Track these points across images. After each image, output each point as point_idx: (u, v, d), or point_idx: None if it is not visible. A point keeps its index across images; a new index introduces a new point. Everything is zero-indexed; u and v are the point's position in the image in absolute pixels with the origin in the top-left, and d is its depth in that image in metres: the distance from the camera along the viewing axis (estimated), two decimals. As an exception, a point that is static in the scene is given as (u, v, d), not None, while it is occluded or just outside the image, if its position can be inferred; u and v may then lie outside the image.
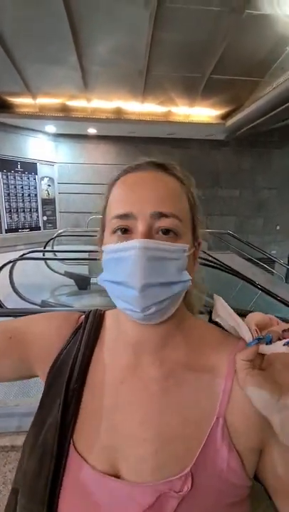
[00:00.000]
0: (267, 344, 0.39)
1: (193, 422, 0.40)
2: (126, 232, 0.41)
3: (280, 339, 0.39)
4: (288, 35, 3.09)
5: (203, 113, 5.24)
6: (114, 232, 0.41)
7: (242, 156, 6.81)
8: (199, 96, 4.52)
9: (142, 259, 0.37)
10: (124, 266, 0.39)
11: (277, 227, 7.32)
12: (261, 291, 2.64)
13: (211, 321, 0.49)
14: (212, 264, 3.03)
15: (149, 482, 0.38)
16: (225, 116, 5.33)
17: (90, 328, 0.50)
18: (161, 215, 0.40)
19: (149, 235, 0.39)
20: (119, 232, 0.41)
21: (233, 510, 0.38)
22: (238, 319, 0.44)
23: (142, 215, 0.40)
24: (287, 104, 3.91)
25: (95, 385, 0.45)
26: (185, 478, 0.37)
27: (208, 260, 3.16)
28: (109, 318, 0.52)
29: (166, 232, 0.40)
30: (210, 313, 0.50)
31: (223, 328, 0.47)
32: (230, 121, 5.19)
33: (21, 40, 3.31)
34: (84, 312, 0.55)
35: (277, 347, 0.38)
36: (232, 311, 0.45)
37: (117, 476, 0.39)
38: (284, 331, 0.40)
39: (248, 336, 0.41)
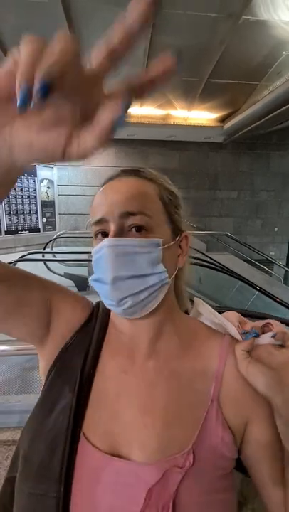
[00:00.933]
0: (256, 337, 0.45)
1: (190, 407, 0.44)
2: (105, 235, 0.44)
3: (261, 333, 0.46)
4: (284, 41, 3.14)
5: (202, 116, 5.29)
6: (96, 236, 0.46)
7: (240, 158, 6.86)
8: (197, 99, 4.57)
9: (111, 256, 0.42)
10: (100, 265, 0.43)
11: (276, 229, 7.37)
12: (259, 292, 2.67)
13: None
14: (210, 265, 3.06)
15: (154, 461, 0.41)
16: (223, 119, 5.39)
17: (101, 317, 0.53)
18: (129, 214, 0.43)
19: (120, 234, 0.43)
20: (99, 236, 0.45)
21: (225, 482, 0.44)
22: (221, 317, 0.50)
23: (112, 217, 0.43)
24: (283, 108, 3.96)
25: (103, 372, 0.49)
26: (187, 454, 0.41)
27: (206, 261, 3.19)
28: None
29: (139, 229, 0.43)
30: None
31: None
32: (228, 124, 5.25)
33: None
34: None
35: (266, 339, 0.44)
36: (214, 310, 0.51)
37: (122, 458, 0.43)
38: (263, 325, 0.46)
39: (233, 331, 0.47)
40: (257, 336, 0.45)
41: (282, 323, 0.48)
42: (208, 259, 3.35)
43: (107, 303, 0.45)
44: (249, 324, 0.48)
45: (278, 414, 0.42)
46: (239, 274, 3.05)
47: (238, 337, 0.47)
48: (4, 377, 2.25)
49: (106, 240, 0.42)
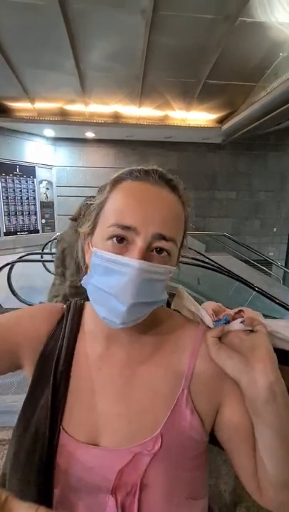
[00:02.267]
0: (226, 324, 0.48)
1: (162, 395, 0.47)
2: (121, 241, 0.41)
3: (232, 320, 0.48)
4: (281, 42, 3.16)
5: (200, 117, 5.31)
6: (110, 238, 0.42)
7: (238, 158, 6.88)
8: (195, 100, 4.59)
9: (137, 280, 0.40)
10: (117, 279, 0.41)
11: (274, 229, 7.38)
12: (258, 292, 2.68)
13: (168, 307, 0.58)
14: (208, 265, 3.07)
15: (125, 446, 0.44)
16: (221, 120, 5.40)
17: (72, 317, 0.54)
18: (162, 238, 0.41)
19: (145, 253, 0.41)
20: (114, 240, 0.42)
21: (195, 461, 0.47)
22: (198, 306, 0.52)
23: (145, 233, 0.41)
24: (281, 109, 3.98)
25: (78, 369, 0.50)
26: (156, 438, 0.44)
27: (204, 262, 3.20)
28: (88, 308, 0.55)
29: (160, 251, 0.42)
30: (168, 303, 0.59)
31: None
32: (226, 125, 5.26)
33: (20, 46, 3.37)
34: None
35: (235, 325, 0.47)
36: (192, 299, 0.54)
37: (98, 445, 0.45)
38: (236, 313, 0.49)
39: (207, 319, 0.50)
40: (227, 322, 0.47)
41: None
42: (207, 260, 3.35)
43: (107, 317, 0.43)
44: (225, 313, 0.50)
45: (244, 394, 0.44)
46: (238, 274, 3.06)
47: (211, 325, 0.49)
48: (1, 378, 2.25)
49: (137, 261, 0.40)
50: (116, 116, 5.25)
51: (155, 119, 5.32)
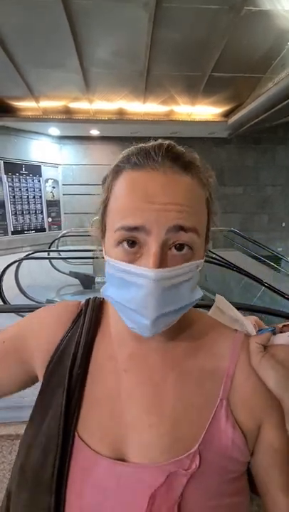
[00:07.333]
0: (273, 333, 0.44)
1: (198, 407, 0.41)
2: (133, 245, 0.36)
3: (280, 332, 0.45)
4: (288, 31, 3.07)
5: (206, 111, 5.24)
6: (119, 243, 0.37)
7: (245, 153, 6.77)
8: (201, 94, 4.52)
9: (157, 291, 0.35)
10: (134, 292, 0.36)
11: (283, 224, 7.26)
12: (267, 288, 2.64)
13: None
14: (216, 261, 3.04)
15: (158, 463, 0.38)
16: (227, 114, 5.32)
17: (90, 314, 0.49)
18: (181, 229, 0.35)
19: (162, 254, 0.35)
20: (125, 245, 0.36)
21: (234, 484, 0.40)
22: (239, 314, 0.48)
23: (157, 231, 0.35)
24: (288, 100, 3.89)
25: (97, 372, 0.45)
26: (193, 456, 0.38)
27: (212, 258, 3.17)
28: (112, 308, 0.50)
29: (180, 247, 0.36)
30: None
31: None
32: (232, 119, 5.18)
33: (23, 45, 3.37)
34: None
35: (282, 338, 0.43)
36: (233, 307, 0.50)
37: (124, 461, 0.40)
38: (284, 325, 0.44)
39: (250, 327, 0.46)
40: (274, 332, 0.43)
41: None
42: (214, 256, 3.32)
43: (135, 328, 0.40)
44: (271, 325, 0.46)
45: (287, 416, 0.40)
46: (246, 270, 3.01)
47: (254, 333, 0.45)
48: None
49: (152, 271, 0.34)
50: (121, 112, 5.22)
51: (160, 115, 5.28)
